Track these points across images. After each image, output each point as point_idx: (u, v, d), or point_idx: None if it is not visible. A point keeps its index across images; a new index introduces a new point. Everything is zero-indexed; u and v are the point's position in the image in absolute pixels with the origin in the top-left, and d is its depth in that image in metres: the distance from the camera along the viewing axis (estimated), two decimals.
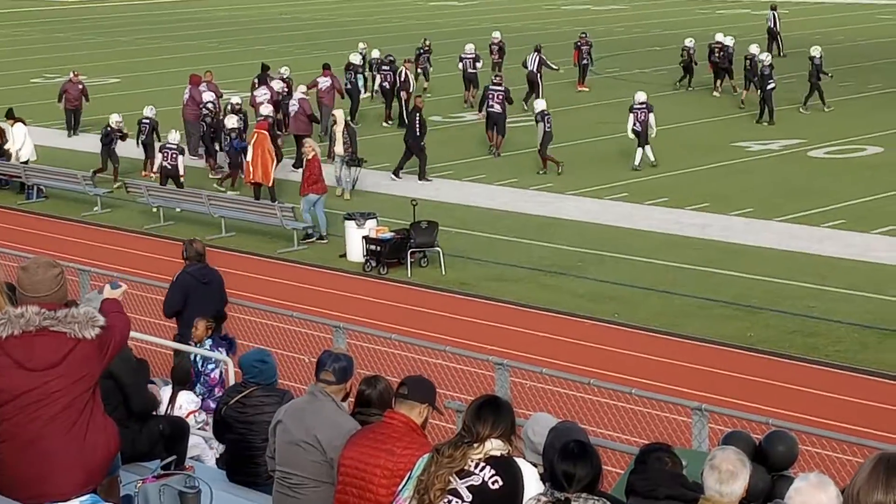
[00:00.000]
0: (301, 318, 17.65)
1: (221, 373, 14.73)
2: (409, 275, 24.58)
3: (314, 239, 26.98)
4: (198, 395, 14.06)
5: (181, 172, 30.16)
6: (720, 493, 6.82)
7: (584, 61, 45.26)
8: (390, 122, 39.30)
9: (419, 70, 44.73)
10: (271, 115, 31.80)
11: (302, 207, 27.16)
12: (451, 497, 7.26)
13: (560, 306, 22.58)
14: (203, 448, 13.15)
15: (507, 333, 21.02)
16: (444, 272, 24.57)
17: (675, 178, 31.69)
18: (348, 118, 33.72)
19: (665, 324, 21.54)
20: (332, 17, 72.49)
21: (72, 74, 39.29)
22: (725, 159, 33.53)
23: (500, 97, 34.94)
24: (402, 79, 39.06)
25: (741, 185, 30.70)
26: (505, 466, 7.31)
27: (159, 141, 31.90)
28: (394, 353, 17.72)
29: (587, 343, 20.70)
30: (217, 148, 33.47)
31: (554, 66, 42.07)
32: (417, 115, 31.72)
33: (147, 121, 32.88)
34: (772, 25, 51.62)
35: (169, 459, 9.40)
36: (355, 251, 25.43)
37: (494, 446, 7.33)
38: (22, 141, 32.82)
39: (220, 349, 14.83)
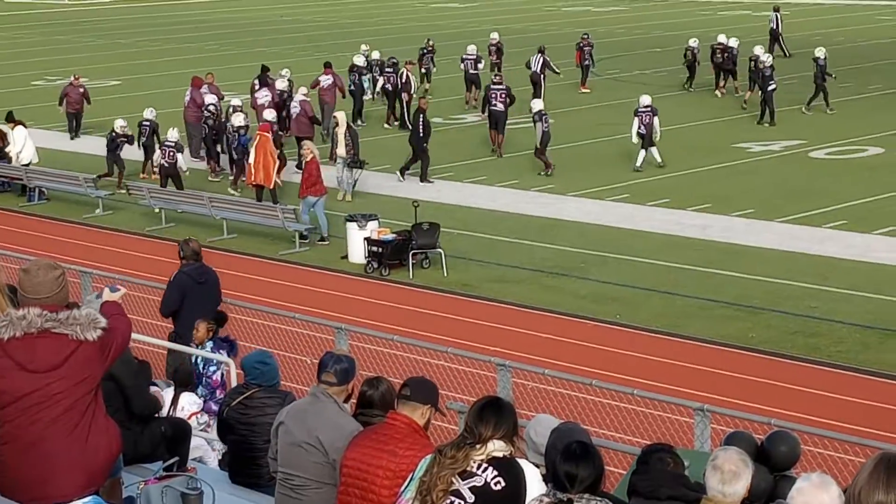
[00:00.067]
0: (303, 320, 17.64)
1: (223, 375, 14.74)
2: (411, 276, 24.58)
3: (308, 240, 26.95)
4: (200, 397, 14.06)
5: (183, 169, 30.22)
6: (723, 494, 6.83)
7: (586, 62, 45.28)
8: (395, 122, 39.26)
9: (423, 70, 44.79)
10: (274, 121, 31.74)
11: (301, 209, 27.17)
12: (453, 498, 7.27)
13: (562, 307, 22.58)
14: (205, 449, 13.16)
15: (509, 334, 21.01)
16: (445, 273, 24.57)
17: (677, 179, 31.70)
18: (350, 121, 33.68)
19: (667, 324, 21.54)
20: (333, 19, 72.51)
21: (72, 78, 39.29)
22: (726, 160, 33.53)
23: (503, 95, 35.09)
24: (404, 80, 39.08)
25: (742, 186, 30.70)
26: (507, 467, 7.32)
27: (159, 143, 31.91)
28: (396, 355, 17.72)
29: (589, 344, 20.70)
30: (219, 150, 33.47)
31: (557, 71, 42.10)
32: (421, 116, 31.70)
33: (147, 123, 32.89)
34: (774, 27, 51.64)
35: (171, 461, 9.39)
36: (357, 253, 25.43)
37: (497, 447, 7.33)
38: (22, 144, 32.83)
39: (220, 351, 14.83)
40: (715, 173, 32.33)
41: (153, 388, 11.34)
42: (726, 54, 43.04)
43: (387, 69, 40.45)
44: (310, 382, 11.83)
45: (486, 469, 7.28)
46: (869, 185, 30.35)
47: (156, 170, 31.32)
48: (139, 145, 33.07)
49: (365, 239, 25.17)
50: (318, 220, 27.12)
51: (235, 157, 31.31)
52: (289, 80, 37.38)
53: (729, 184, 31.00)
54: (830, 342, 20.51)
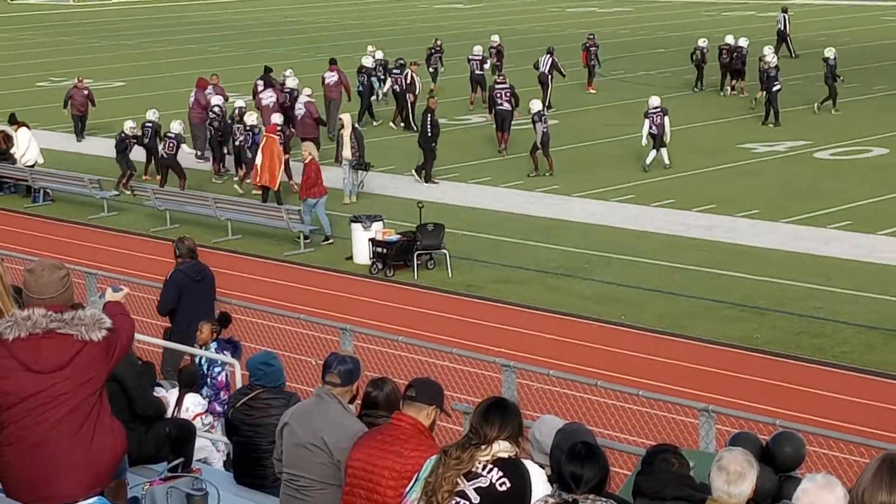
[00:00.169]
0: (308, 321, 17.63)
1: (227, 375, 14.74)
2: (416, 277, 24.58)
3: (310, 241, 26.95)
4: (205, 398, 14.06)
5: (187, 151, 30.32)
6: (728, 494, 6.82)
7: (592, 63, 45.31)
8: (400, 123, 39.25)
9: (431, 70, 44.84)
10: (281, 123, 31.75)
11: (302, 211, 27.16)
12: (458, 499, 7.26)
13: (566, 308, 22.57)
14: (210, 450, 13.16)
15: (514, 335, 21.01)
16: (450, 274, 24.56)
17: (681, 179, 31.69)
18: (355, 122, 33.65)
19: (671, 325, 21.53)
20: (337, 20, 72.52)
21: (77, 80, 39.31)
22: (731, 161, 33.52)
23: (507, 94, 35.20)
24: (409, 81, 39.09)
25: (747, 186, 30.68)
26: (512, 468, 7.31)
27: (163, 147, 31.94)
28: (400, 356, 17.71)
29: (594, 345, 20.69)
30: (225, 151, 33.48)
31: (563, 72, 42.10)
32: (429, 116, 31.67)
33: (150, 124, 32.90)
34: (782, 27, 51.61)
35: (176, 462, 9.40)
36: (362, 253, 25.43)
37: (502, 448, 7.33)
38: (26, 146, 32.85)
39: (224, 352, 14.84)
40: (720, 174, 32.32)
41: (156, 390, 11.34)
42: (735, 54, 43.02)
43: (394, 70, 40.43)
44: (315, 383, 11.81)
45: (491, 470, 7.28)
46: (874, 185, 30.33)
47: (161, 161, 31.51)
48: (143, 145, 33.09)
49: (370, 240, 25.17)
50: (319, 221, 27.12)
51: (249, 155, 31.21)
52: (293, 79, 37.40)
53: (734, 184, 30.98)
54: (835, 343, 20.49)
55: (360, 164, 30.66)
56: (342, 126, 31.79)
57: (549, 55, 41.58)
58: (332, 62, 38.41)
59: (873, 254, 24.98)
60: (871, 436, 15.00)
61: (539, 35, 59.41)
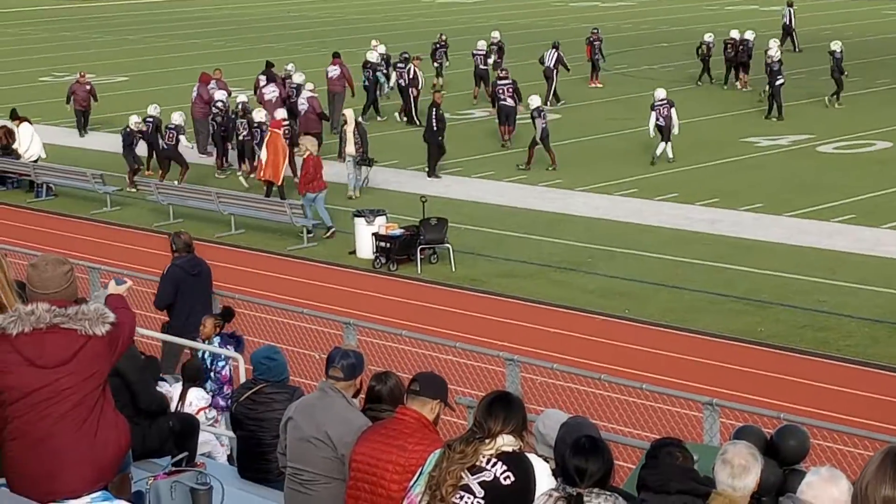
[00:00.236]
0: (311, 315, 17.63)
1: (230, 370, 14.74)
2: (419, 271, 24.57)
3: (313, 234, 26.94)
4: (208, 392, 14.06)
5: (186, 144, 30.28)
6: (732, 488, 6.82)
7: (596, 57, 45.31)
8: (403, 118, 39.25)
9: (435, 64, 44.86)
10: (286, 118, 31.75)
11: (302, 205, 27.15)
12: (462, 493, 7.25)
13: (570, 302, 22.57)
14: (214, 445, 13.17)
15: (518, 329, 21.01)
16: (453, 269, 24.56)
17: (685, 173, 31.67)
18: (359, 117, 33.63)
19: (675, 319, 21.53)
20: (340, 15, 72.50)
21: (79, 76, 39.32)
22: (734, 155, 33.50)
23: (510, 90, 35.22)
24: (411, 76, 39.07)
25: (750, 180, 30.67)
26: (517, 462, 7.30)
27: (163, 139, 31.98)
28: (404, 350, 17.72)
29: (598, 339, 20.68)
30: (228, 146, 33.47)
31: (568, 67, 42.08)
32: (434, 110, 31.65)
33: (151, 119, 32.89)
34: (787, 21, 51.56)
35: (180, 456, 9.39)
36: (365, 248, 25.42)
37: (506, 442, 7.32)
38: (29, 141, 32.85)
39: (227, 347, 14.84)
40: (723, 168, 32.30)
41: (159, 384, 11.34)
42: (741, 47, 43.02)
43: (399, 65, 40.42)
44: (318, 378, 11.83)
45: (495, 464, 7.27)
46: (878, 179, 30.33)
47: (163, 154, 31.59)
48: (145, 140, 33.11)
49: (373, 234, 25.17)
50: (319, 215, 27.11)
51: (258, 150, 31.18)
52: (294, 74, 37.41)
53: (737, 178, 30.97)
54: (839, 336, 20.48)
55: (363, 160, 30.65)
56: (345, 122, 31.78)
57: (554, 50, 41.60)
58: (336, 56, 38.45)
59: (877, 247, 24.97)
60: (876, 429, 14.97)
61: (542, 30, 59.41)
